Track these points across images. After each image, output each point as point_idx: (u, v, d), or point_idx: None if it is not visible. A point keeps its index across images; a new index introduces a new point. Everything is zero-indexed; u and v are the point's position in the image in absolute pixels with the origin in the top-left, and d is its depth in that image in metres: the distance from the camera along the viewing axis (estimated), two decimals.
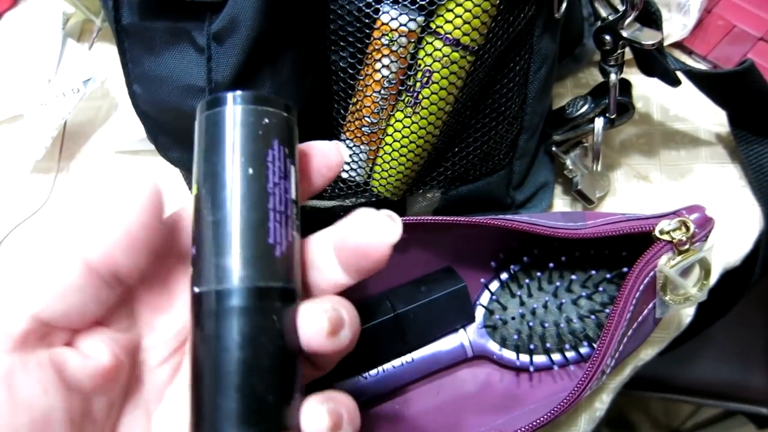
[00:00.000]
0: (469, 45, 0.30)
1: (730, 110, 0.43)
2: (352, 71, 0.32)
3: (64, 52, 0.58)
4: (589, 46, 0.48)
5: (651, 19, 0.35)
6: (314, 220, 0.37)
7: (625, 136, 0.47)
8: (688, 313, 0.42)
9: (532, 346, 0.37)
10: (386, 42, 0.30)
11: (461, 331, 0.39)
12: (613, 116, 0.39)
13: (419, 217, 0.33)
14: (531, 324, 0.37)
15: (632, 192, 0.45)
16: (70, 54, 0.58)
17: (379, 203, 0.37)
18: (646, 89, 0.48)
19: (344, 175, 0.35)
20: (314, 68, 0.31)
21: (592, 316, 0.36)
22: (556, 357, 0.37)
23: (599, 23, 0.36)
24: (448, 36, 0.30)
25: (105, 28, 0.58)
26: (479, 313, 0.39)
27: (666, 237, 0.31)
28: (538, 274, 0.37)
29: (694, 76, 0.40)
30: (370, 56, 0.31)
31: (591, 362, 0.31)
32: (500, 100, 0.35)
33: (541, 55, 0.36)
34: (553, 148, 0.43)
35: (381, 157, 0.34)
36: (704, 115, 0.47)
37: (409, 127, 0.33)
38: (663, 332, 0.41)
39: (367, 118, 0.33)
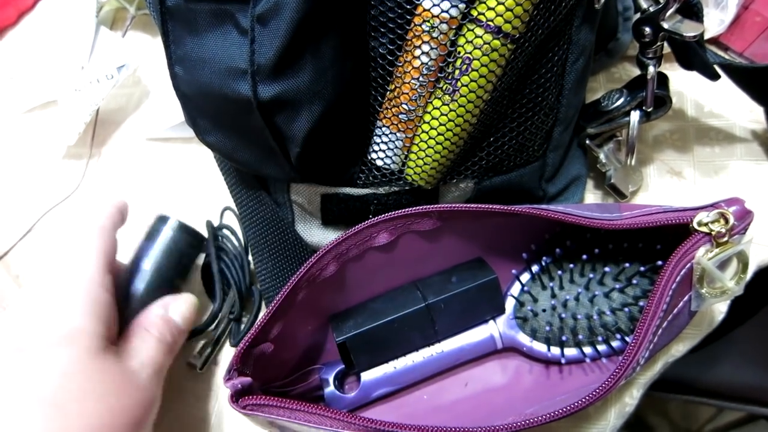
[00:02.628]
0: (511, 33, 0.30)
1: None
2: (391, 57, 0.32)
3: (98, 40, 0.59)
4: (623, 40, 0.47)
5: (692, 11, 0.35)
6: (348, 208, 0.38)
7: (658, 132, 0.47)
8: (720, 310, 0.41)
9: (563, 338, 0.36)
10: (427, 28, 0.30)
11: (491, 322, 0.39)
12: (649, 109, 0.39)
13: (454, 205, 0.33)
14: (563, 316, 0.37)
15: (665, 188, 0.45)
16: (104, 41, 0.59)
17: (412, 192, 0.37)
18: (680, 85, 0.47)
19: (379, 163, 0.35)
20: (354, 54, 0.31)
21: (626, 309, 0.35)
22: (588, 350, 0.36)
23: (639, 15, 0.36)
24: (490, 23, 0.30)
25: (138, 16, 0.59)
26: (509, 304, 0.39)
27: (704, 229, 0.31)
28: (571, 266, 0.37)
29: (733, 71, 0.40)
30: (409, 43, 0.31)
31: (626, 353, 0.30)
32: (537, 90, 0.35)
33: (579, 47, 0.35)
34: (587, 141, 0.42)
35: (417, 144, 0.34)
36: (740, 112, 0.46)
37: (446, 115, 0.33)
38: (695, 329, 0.41)
39: (404, 105, 0.33)
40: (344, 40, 0.30)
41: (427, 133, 0.33)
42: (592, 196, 0.45)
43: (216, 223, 0.45)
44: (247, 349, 0.32)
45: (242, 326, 0.42)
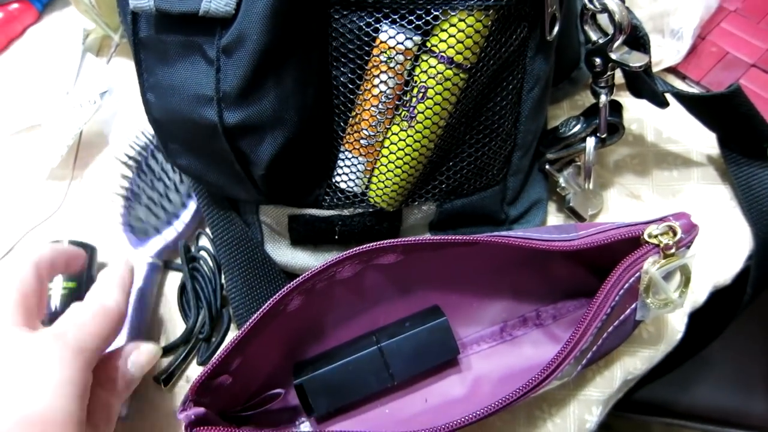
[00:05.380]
0: (463, 63, 0.32)
1: (719, 132, 0.45)
2: (351, 86, 0.34)
3: (83, 66, 0.61)
4: (586, 70, 0.49)
5: (639, 42, 0.37)
6: (314, 228, 0.39)
7: (618, 157, 0.49)
8: (678, 329, 0.43)
9: None
10: (384, 59, 0.32)
11: None
12: (603, 136, 0.41)
13: (416, 238, 0.34)
14: None
15: (624, 210, 0.46)
16: (89, 67, 0.60)
17: (376, 213, 0.38)
18: (639, 112, 0.50)
19: (342, 186, 0.37)
20: (316, 82, 0.33)
21: None
22: None
23: (590, 46, 0.38)
24: (443, 54, 0.32)
25: (123, 43, 0.61)
26: None
27: (654, 241, 0.33)
28: None
29: (683, 99, 0.42)
30: (369, 72, 0.33)
31: (566, 343, 0.32)
32: (493, 117, 0.37)
33: (534, 76, 0.37)
34: (547, 166, 0.44)
35: (378, 168, 0.36)
36: (697, 137, 0.48)
37: (404, 140, 0.34)
38: (653, 348, 0.42)
39: (365, 131, 0.35)
40: (306, 69, 0.32)
41: (387, 157, 0.35)
42: (554, 218, 0.47)
43: (192, 245, 0.47)
44: (204, 382, 0.32)
45: (210, 346, 0.43)
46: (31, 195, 0.57)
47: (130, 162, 0.51)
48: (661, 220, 0.34)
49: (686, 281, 0.34)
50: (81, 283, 0.45)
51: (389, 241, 0.35)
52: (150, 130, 0.52)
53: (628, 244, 0.34)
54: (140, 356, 0.39)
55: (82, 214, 0.54)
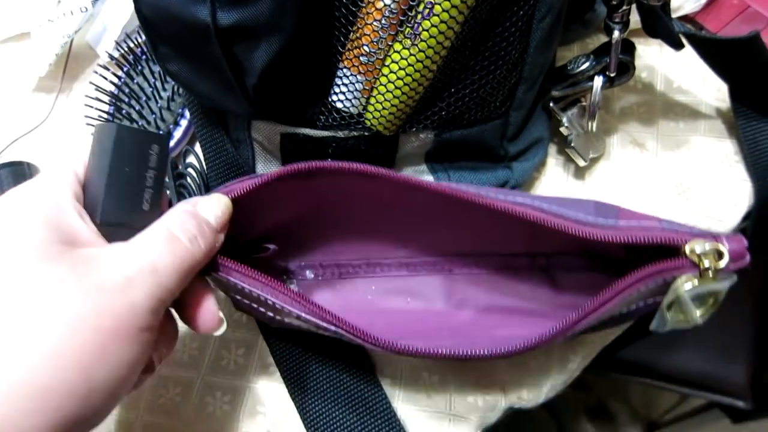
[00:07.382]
0: None
1: (731, 83, 0.43)
2: None
3: None
4: (600, 12, 0.48)
5: None
6: (306, 148, 0.38)
7: (625, 104, 0.47)
8: None
9: None
10: None
11: None
12: (612, 74, 0.39)
13: (417, 180, 0.32)
14: None
15: (626, 158, 0.45)
16: None
17: (371, 137, 0.37)
18: (651, 60, 0.48)
19: (339, 105, 0.36)
20: None
21: None
22: None
23: None
24: None
25: None
26: None
27: (694, 258, 0.27)
28: None
29: (698, 42, 0.40)
30: None
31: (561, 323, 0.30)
32: (501, 44, 0.35)
33: (546, 4, 0.35)
34: (551, 105, 0.43)
35: (377, 88, 0.34)
36: (707, 90, 0.47)
37: (407, 59, 0.33)
38: None
39: (365, 47, 0.33)
40: None
41: (387, 77, 0.34)
42: (554, 160, 0.46)
43: (180, 162, 0.46)
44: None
45: None
46: (17, 105, 0.55)
47: (122, 76, 0.49)
48: (712, 236, 0.28)
49: (714, 302, 0.29)
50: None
51: (391, 173, 0.32)
52: (140, 43, 0.50)
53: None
54: (212, 204, 0.30)
55: (67, 128, 0.53)
